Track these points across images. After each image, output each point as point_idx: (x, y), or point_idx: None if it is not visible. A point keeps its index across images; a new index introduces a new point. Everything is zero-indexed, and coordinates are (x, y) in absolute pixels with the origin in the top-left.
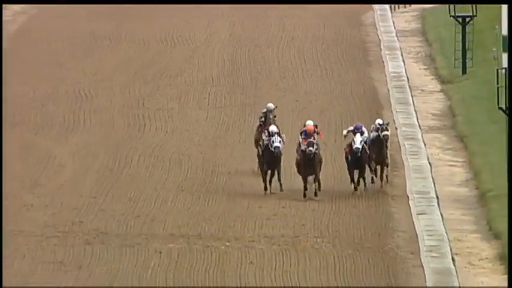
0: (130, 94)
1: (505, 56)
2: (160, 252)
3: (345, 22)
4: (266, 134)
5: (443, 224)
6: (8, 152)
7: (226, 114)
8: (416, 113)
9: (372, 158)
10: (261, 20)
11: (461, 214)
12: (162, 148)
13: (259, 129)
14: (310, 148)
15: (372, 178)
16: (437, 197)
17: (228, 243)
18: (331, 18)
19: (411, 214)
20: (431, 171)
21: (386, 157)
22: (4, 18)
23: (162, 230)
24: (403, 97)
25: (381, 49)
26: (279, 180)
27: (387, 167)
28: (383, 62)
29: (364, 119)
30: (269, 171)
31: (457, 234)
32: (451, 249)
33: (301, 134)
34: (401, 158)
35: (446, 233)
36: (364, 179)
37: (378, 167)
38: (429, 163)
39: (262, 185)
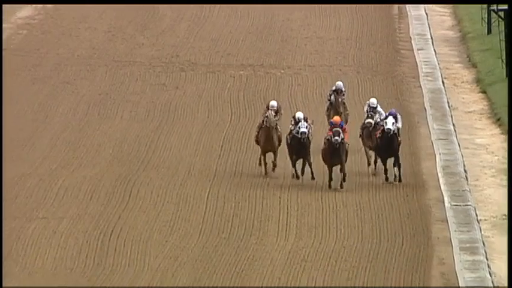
0: None
1: None
2: (234, 77)
3: None
4: (292, 122)
5: (436, 57)
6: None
7: None
8: None
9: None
10: None
11: (449, 50)
12: None
13: (328, 112)
14: (336, 138)
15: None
16: (431, 38)
17: (282, 71)
18: None
19: (413, 50)
20: (427, 19)
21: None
22: None
23: (234, 61)
24: None
25: None
26: (310, 168)
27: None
28: None
29: None
30: (299, 160)
31: (446, 64)
32: (441, 75)
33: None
34: (406, 9)
35: (438, 63)
36: (399, 166)
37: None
38: (426, 13)
39: (293, 170)
